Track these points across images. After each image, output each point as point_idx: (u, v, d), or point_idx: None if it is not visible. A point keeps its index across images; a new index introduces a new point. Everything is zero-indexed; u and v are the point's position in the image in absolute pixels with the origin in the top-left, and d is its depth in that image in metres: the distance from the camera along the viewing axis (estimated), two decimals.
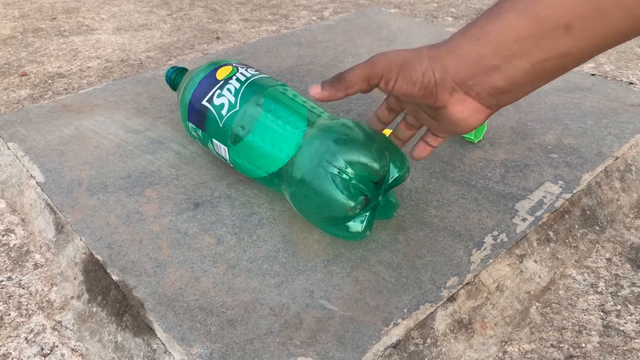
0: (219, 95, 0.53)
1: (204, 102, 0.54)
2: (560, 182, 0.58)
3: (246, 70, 0.55)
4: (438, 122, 0.41)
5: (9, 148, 0.63)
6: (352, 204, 0.43)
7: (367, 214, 0.46)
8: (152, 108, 0.72)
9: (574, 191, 0.57)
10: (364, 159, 0.44)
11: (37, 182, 0.58)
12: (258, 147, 0.50)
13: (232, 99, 0.52)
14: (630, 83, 0.89)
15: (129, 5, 1.28)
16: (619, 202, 0.61)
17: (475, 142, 0.65)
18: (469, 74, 0.36)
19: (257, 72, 0.55)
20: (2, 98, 0.84)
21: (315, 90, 0.42)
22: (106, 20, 1.18)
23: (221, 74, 0.55)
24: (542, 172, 0.60)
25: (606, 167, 0.62)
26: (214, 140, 0.54)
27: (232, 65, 0.56)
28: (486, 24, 0.35)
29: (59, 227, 0.53)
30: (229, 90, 0.53)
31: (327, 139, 0.45)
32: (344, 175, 0.43)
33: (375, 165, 0.44)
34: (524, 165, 0.61)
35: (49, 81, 0.90)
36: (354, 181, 0.43)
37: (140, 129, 0.67)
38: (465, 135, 0.65)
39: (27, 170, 0.60)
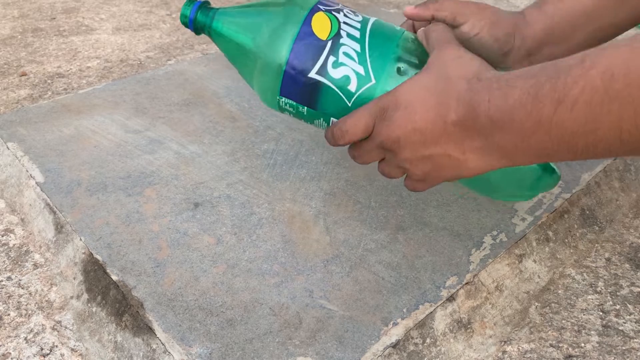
0: (336, 65, 0.40)
1: (314, 75, 0.41)
2: (560, 181, 0.58)
3: (347, 15, 0.42)
4: None
5: (8, 148, 0.63)
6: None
7: None
8: (151, 108, 0.72)
9: (573, 191, 0.57)
10: None
11: (36, 182, 0.58)
12: None
13: (361, 69, 0.40)
14: None
15: (128, 5, 1.28)
16: (618, 202, 0.61)
17: None
18: (543, 44, 0.44)
19: (363, 18, 0.42)
20: (1, 98, 0.84)
21: (408, 8, 0.46)
22: (105, 20, 1.18)
23: (320, 28, 0.40)
24: None
25: (605, 167, 0.62)
26: (333, 119, 0.43)
27: (323, 12, 0.42)
28: (557, 2, 0.45)
29: (59, 227, 0.53)
30: (347, 55, 0.40)
31: None
32: None
33: None
34: None
35: (49, 81, 0.90)
36: None
37: (140, 129, 0.67)
38: None
39: (27, 170, 0.60)
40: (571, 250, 0.54)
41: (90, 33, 1.11)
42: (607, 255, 0.55)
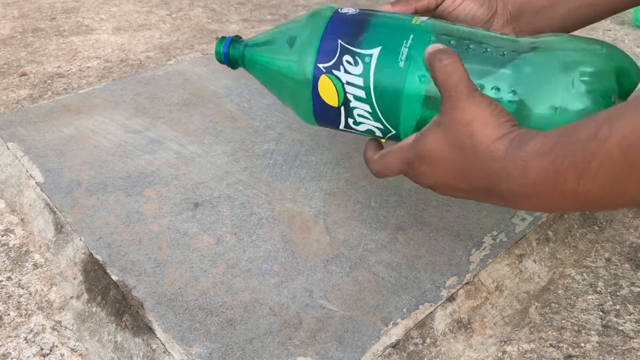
0: (357, 123, 0.43)
1: (343, 128, 0.44)
2: None
3: (347, 69, 0.40)
4: None
5: (8, 148, 0.63)
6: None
7: None
8: (151, 108, 0.72)
9: None
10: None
11: (36, 182, 0.58)
12: None
13: (379, 125, 0.42)
14: None
15: (128, 5, 1.28)
16: None
17: None
18: (522, 11, 0.45)
19: (364, 67, 0.40)
20: (1, 98, 0.84)
21: (386, 8, 0.45)
22: (105, 20, 1.18)
23: (328, 96, 0.42)
24: None
25: None
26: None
27: (325, 74, 0.41)
28: None
29: (59, 227, 0.53)
30: (362, 116, 0.42)
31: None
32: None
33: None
34: None
35: (49, 81, 0.90)
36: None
37: (140, 129, 0.67)
38: None
39: (27, 170, 0.60)
40: (571, 250, 0.54)
41: (90, 33, 1.11)
42: (607, 255, 0.55)
